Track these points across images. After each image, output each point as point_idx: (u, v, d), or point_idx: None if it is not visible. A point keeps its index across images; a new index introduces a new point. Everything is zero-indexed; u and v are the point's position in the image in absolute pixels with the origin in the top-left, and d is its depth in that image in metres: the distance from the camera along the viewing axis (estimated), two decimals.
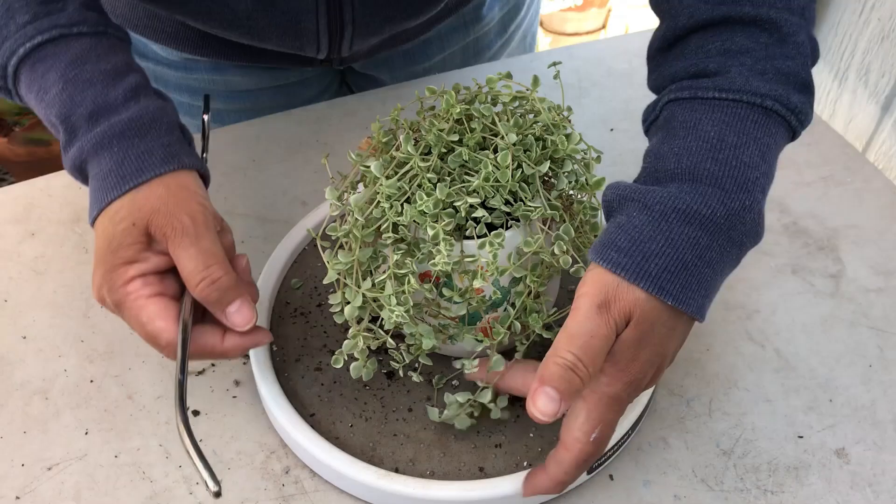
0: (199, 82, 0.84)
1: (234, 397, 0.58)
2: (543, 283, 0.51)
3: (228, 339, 0.51)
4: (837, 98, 0.85)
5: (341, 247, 0.51)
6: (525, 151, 0.51)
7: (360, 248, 0.49)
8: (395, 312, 0.48)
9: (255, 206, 0.72)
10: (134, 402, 0.58)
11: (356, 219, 0.49)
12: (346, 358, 0.52)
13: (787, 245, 0.69)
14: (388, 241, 0.49)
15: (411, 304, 0.48)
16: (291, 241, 0.65)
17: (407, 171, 0.50)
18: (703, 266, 0.45)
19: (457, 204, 0.48)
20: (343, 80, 0.91)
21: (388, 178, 0.49)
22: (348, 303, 0.50)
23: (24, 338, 0.62)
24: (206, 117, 0.60)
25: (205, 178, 0.53)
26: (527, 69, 0.86)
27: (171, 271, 0.50)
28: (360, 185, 0.52)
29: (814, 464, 0.54)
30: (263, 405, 0.56)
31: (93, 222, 0.50)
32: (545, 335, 0.52)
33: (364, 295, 0.49)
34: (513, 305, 0.52)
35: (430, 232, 0.47)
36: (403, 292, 0.48)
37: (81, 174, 0.52)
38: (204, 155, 0.59)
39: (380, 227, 0.49)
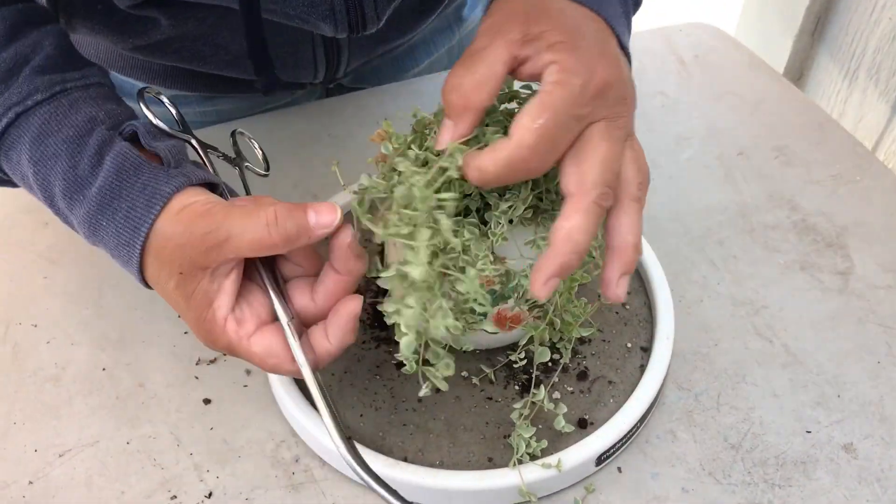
0: (189, 115, 0.81)
1: (245, 386, 0.58)
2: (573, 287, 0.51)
3: (332, 330, 0.46)
4: (847, 97, 0.85)
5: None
6: None
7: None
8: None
9: None
10: (145, 390, 0.58)
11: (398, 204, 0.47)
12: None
13: (795, 242, 0.69)
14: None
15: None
16: None
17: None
18: None
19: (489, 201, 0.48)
20: (330, 96, 0.90)
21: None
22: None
23: (36, 326, 0.63)
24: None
25: (210, 185, 0.49)
26: None
27: (247, 282, 0.47)
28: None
29: (821, 458, 0.54)
30: (274, 394, 0.57)
31: (149, 287, 0.49)
32: (583, 332, 0.54)
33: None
34: (527, 301, 0.52)
35: (467, 236, 0.46)
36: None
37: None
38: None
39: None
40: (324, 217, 0.45)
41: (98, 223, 0.47)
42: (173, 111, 0.53)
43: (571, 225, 0.42)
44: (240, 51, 0.66)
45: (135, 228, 0.46)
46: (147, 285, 0.48)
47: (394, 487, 0.51)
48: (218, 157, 0.54)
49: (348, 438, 0.45)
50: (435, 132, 0.48)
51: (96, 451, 0.55)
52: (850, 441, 0.55)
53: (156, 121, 0.50)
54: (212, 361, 0.60)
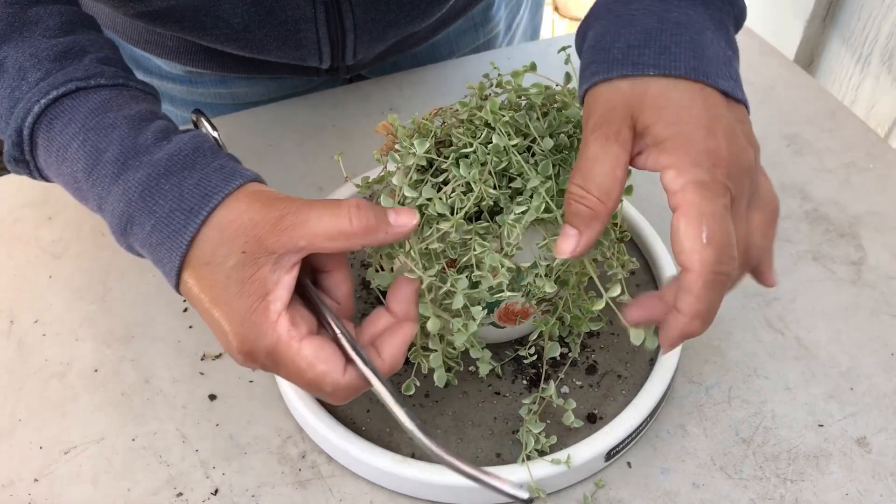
0: (205, 96, 0.83)
1: (251, 382, 0.58)
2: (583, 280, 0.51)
3: (386, 349, 0.44)
4: (859, 83, 0.84)
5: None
6: (560, 152, 0.49)
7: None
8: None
9: None
10: (151, 386, 0.58)
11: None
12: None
13: (807, 232, 0.68)
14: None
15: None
16: None
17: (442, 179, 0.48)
18: (672, 28, 0.43)
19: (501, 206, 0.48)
20: None
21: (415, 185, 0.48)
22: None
23: (41, 321, 0.62)
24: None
25: None
26: (536, 56, 0.85)
27: (294, 299, 0.44)
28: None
29: (835, 453, 0.54)
30: (280, 390, 0.56)
31: (177, 284, 0.44)
32: (592, 327, 0.53)
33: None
34: (528, 294, 0.51)
35: (478, 249, 0.46)
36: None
37: (125, 236, 0.45)
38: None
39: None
40: (403, 217, 0.44)
41: (158, 187, 0.43)
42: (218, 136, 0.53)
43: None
44: (241, 24, 0.65)
45: (205, 195, 0.43)
46: (179, 271, 0.43)
47: (399, 485, 0.51)
48: None
49: (424, 428, 0.42)
50: (437, 132, 0.47)
51: (102, 448, 0.55)
52: (863, 435, 0.54)
53: (215, 134, 0.50)
54: (217, 357, 0.59)
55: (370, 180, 0.53)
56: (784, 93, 0.82)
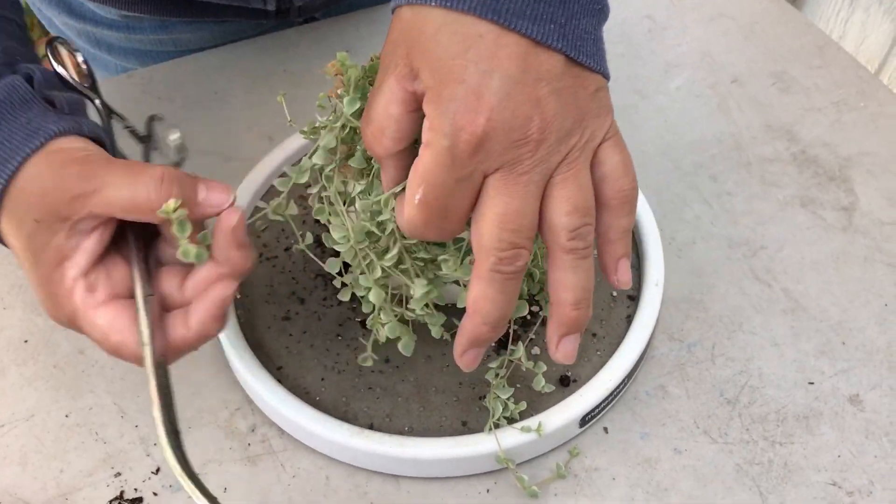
0: (144, 43, 0.77)
1: (195, 350, 0.53)
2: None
3: (194, 315, 0.41)
4: (849, 17, 0.80)
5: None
6: None
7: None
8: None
9: (218, 142, 0.66)
10: (86, 357, 0.54)
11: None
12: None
13: (795, 175, 0.64)
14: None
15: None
16: (256, 179, 0.60)
17: None
18: None
19: None
20: None
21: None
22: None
23: None
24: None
25: (97, 141, 0.43)
26: None
27: (111, 250, 0.41)
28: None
29: (826, 412, 0.50)
30: (227, 358, 0.52)
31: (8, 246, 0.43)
32: None
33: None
34: None
35: None
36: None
37: None
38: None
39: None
40: (214, 195, 0.40)
41: None
42: (84, 68, 0.48)
43: (474, 295, 0.38)
44: None
45: (4, 160, 0.40)
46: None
47: (358, 458, 0.48)
48: (125, 128, 0.48)
49: (175, 433, 0.40)
50: None
51: (32, 425, 0.50)
52: (856, 392, 0.51)
53: (61, 70, 0.45)
54: None
55: (317, 125, 0.48)
56: (769, 28, 0.77)
